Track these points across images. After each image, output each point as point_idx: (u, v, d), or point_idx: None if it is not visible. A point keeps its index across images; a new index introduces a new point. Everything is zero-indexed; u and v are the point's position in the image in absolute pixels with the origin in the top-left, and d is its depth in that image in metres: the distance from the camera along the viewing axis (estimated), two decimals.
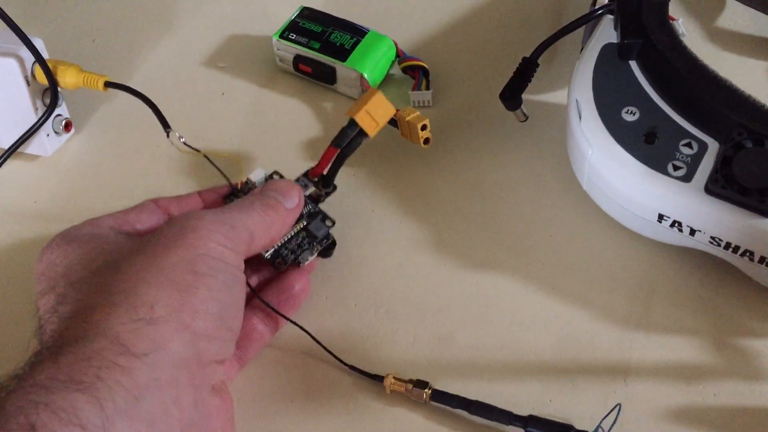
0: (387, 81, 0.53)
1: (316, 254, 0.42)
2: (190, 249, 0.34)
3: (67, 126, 0.49)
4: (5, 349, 0.41)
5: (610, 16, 0.45)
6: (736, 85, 0.39)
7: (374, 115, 0.44)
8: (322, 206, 0.44)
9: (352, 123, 0.44)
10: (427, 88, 0.52)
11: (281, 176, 0.45)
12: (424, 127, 0.47)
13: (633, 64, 0.42)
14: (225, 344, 0.34)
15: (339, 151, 0.44)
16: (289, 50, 0.53)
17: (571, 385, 0.39)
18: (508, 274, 0.43)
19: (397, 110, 0.48)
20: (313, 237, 0.42)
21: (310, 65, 0.52)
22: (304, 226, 0.42)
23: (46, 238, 0.37)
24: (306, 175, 0.45)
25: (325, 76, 0.52)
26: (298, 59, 0.53)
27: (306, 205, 0.43)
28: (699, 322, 0.41)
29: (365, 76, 0.51)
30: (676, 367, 0.39)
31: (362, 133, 0.44)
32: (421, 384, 0.38)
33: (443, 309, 0.42)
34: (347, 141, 0.44)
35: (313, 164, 0.44)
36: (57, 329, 0.32)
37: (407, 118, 0.47)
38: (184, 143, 0.42)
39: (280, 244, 0.41)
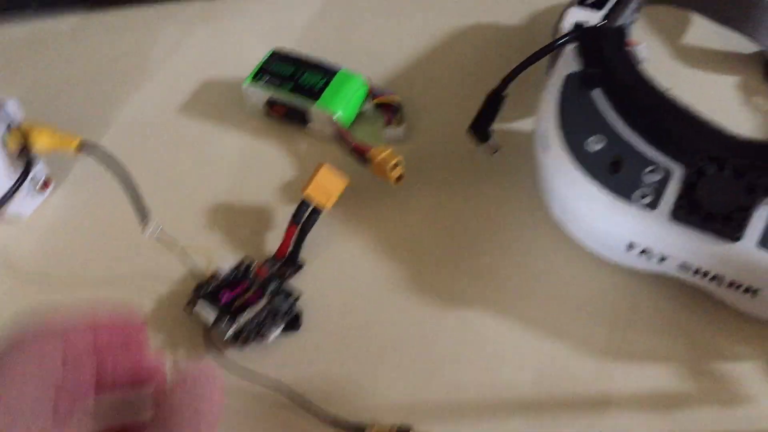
0: (360, 118, 0.54)
1: (281, 328, 0.43)
2: None
3: (45, 184, 0.50)
4: None
5: (572, 45, 0.45)
6: (696, 111, 0.39)
7: (325, 188, 0.46)
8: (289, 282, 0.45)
9: (305, 200, 0.46)
10: (400, 124, 0.52)
11: (252, 261, 0.46)
12: (395, 166, 0.47)
13: (596, 92, 0.43)
14: None
15: (299, 228, 0.46)
16: (260, 94, 0.53)
17: (553, 419, 0.39)
18: (486, 310, 0.44)
19: (370, 148, 0.49)
20: (277, 312, 0.43)
21: (283, 108, 0.53)
22: (267, 302, 0.43)
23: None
24: (273, 257, 0.46)
25: (298, 118, 0.53)
26: (270, 102, 0.53)
27: (271, 282, 0.44)
28: (676, 348, 0.41)
29: (337, 115, 0.51)
30: (656, 396, 0.39)
31: (318, 208, 0.46)
32: (404, 429, 0.38)
33: (422, 349, 0.42)
34: (305, 218, 0.46)
35: (289, 207, 0.46)
36: None
37: (378, 158, 0.48)
38: (161, 234, 0.42)
39: (244, 322, 0.42)
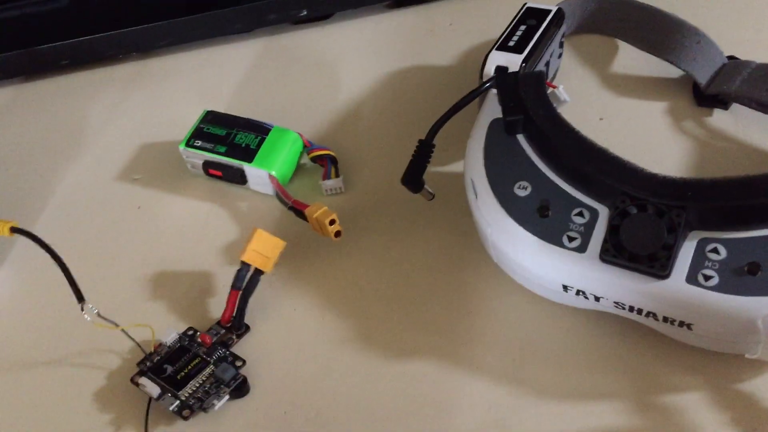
0: (299, 172, 0.54)
1: (226, 398, 0.42)
2: None
3: None
4: None
5: (495, 91, 0.45)
6: (614, 153, 0.40)
7: (262, 251, 0.46)
8: (238, 345, 0.45)
9: (244, 264, 0.46)
10: (337, 175, 0.52)
11: (196, 331, 0.46)
12: (332, 222, 0.47)
13: (521, 137, 0.43)
14: None
15: (240, 292, 0.46)
16: (197, 157, 0.53)
17: None
18: (433, 359, 0.44)
19: (307, 206, 0.49)
20: (221, 381, 0.43)
21: (220, 169, 0.53)
22: (211, 372, 0.43)
23: None
24: (218, 323, 0.46)
25: (235, 178, 0.53)
26: (207, 165, 0.53)
27: (216, 350, 0.44)
28: (623, 384, 0.41)
29: (273, 174, 0.51)
30: None
31: (258, 271, 0.46)
32: None
33: (373, 406, 0.42)
34: (245, 282, 0.46)
35: (233, 269, 0.46)
36: None
37: (315, 215, 0.48)
38: (99, 315, 0.42)
39: (188, 395, 0.42)
